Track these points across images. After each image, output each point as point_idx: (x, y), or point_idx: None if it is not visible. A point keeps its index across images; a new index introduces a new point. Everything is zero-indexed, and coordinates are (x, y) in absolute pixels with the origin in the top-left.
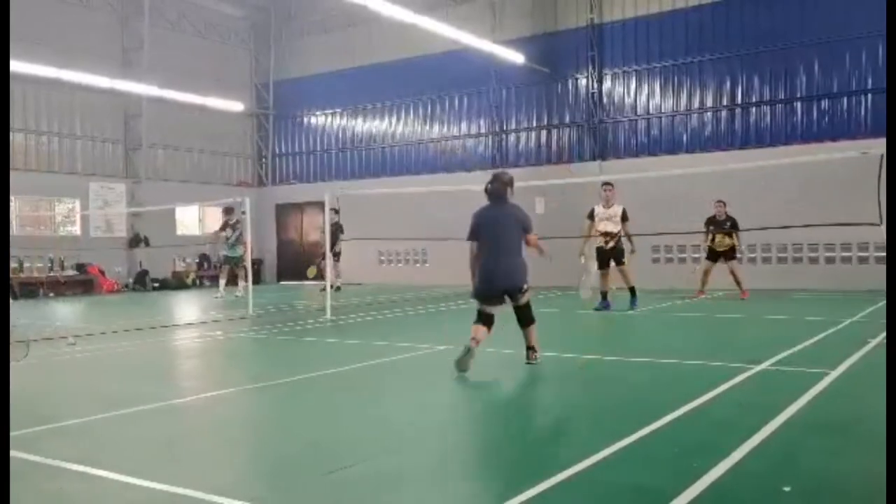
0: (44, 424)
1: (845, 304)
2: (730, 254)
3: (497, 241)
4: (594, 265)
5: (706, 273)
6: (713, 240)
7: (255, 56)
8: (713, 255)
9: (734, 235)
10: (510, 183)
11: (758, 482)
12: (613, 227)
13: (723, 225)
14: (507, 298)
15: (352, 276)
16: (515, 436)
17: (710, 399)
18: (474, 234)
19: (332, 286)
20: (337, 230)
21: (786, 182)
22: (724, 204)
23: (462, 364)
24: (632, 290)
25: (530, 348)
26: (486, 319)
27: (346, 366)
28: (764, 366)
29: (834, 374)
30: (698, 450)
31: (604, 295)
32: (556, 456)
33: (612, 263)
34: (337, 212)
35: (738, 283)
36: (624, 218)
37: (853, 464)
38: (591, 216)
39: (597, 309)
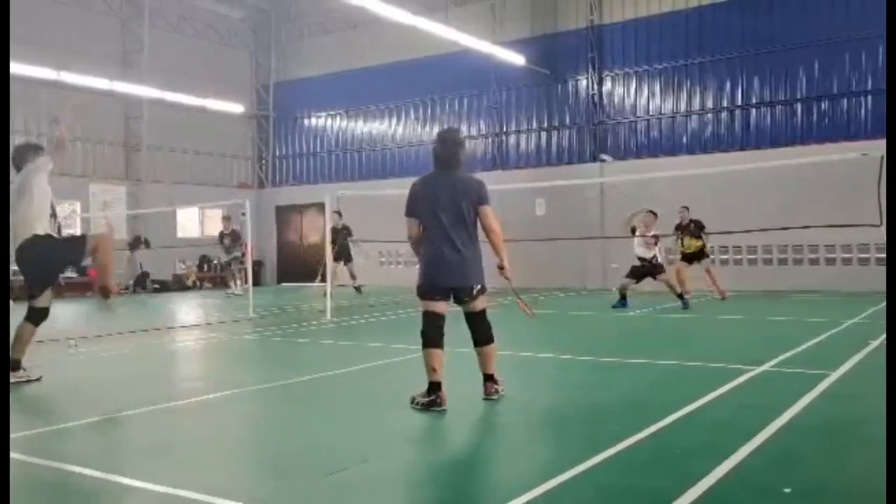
0: (45, 427)
1: (846, 305)
2: (700, 256)
3: (444, 222)
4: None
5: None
6: (682, 243)
7: (256, 58)
8: (686, 258)
9: (702, 237)
10: (462, 144)
11: (759, 483)
12: (646, 253)
13: (687, 228)
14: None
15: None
16: (516, 437)
17: (712, 400)
18: (411, 210)
19: (355, 288)
20: (344, 233)
21: (786, 183)
22: (687, 209)
23: (430, 409)
24: (679, 296)
25: (488, 378)
26: (435, 333)
27: (346, 368)
28: (765, 367)
29: (835, 375)
30: (700, 451)
31: (622, 295)
32: (557, 457)
33: (649, 278)
34: (340, 214)
35: (714, 283)
36: (656, 242)
37: (854, 465)
38: (633, 232)
39: (614, 307)
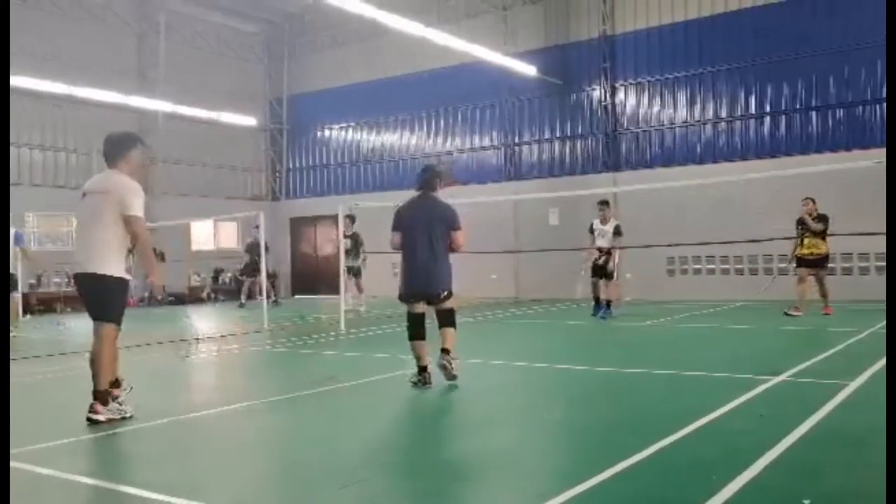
0: (62, 438)
1: (863, 314)
2: (823, 262)
3: (421, 239)
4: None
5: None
6: (802, 244)
7: (269, 71)
8: (804, 263)
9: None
10: (440, 175)
11: (777, 494)
12: (606, 243)
13: (812, 225)
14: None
15: (366, 289)
16: (530, 449)
17: (729, 411)
18: (396, 226)
19: (359, 309)
20: (356, 242)
21: (800, 192)
22: (813, 201)
23: (419, 385)
24: (607, 303)
25: (444, 350)
26: (417, 328)
27: (361, 379)
28: (783, 377)
29: (853, 384)
30: (717, 462)
31: (597, 301)
32: (573, 468)
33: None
34: (353, 220)
35: (823, 295)
36: (616, 233)
37: (873, 475)
38: (591, 230)
39: (593, 315)
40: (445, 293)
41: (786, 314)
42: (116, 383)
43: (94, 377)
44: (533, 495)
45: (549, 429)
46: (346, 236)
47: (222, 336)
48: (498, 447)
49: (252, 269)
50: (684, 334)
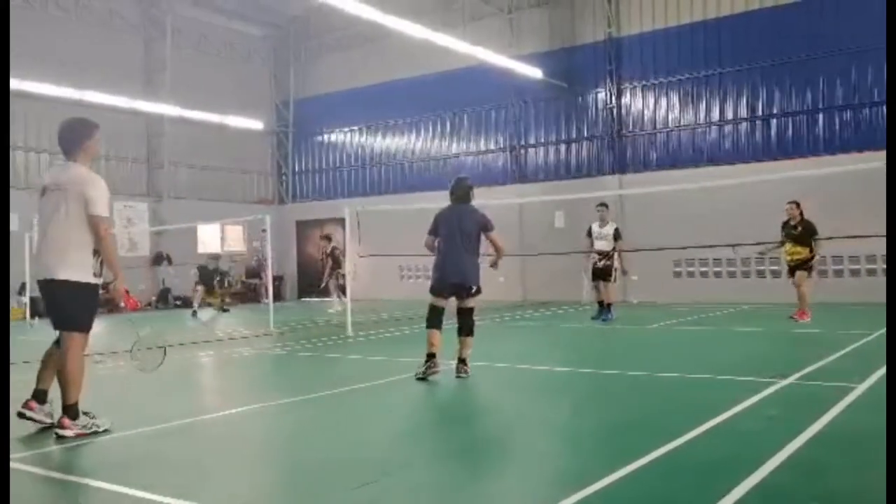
0: (69, 441)
1: (871, 316)
2: (801, 266)
3: (455, 238)
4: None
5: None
6: (784, 249)
7: (275, 75)
8: (789, 269)
9: (812, 244)
10: (472, 188)
11: (785, 495)
12: (606, 246)
13: (793, 230)
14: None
15: (372, 292)
16: (540, 450)
17: (737, 413)
18: (434, 230)
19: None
20: (335, 259)
21: (808, 194)
22: (797, 205)
23: (428, 373)
24: (608, 306)
25: (462, 361)
26: (436, 319)
27: (370, 381)
28: (791, 380)
29: (862, 386)
30: (725, 464)
31: (601, 305)
32: (581, 470)
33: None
34: (330, 239)
35: (799, 298)
36: (616, 237)
37: (880, 477)
38: (589, 233)
39: (594, 318)
40: (475, 288)
41: (791, 318)
42: (44, 395)
43: (63, 390)
44: (543, 497)
45: (556, 431)
46: (325, 254)
47: (229, 339)
48: (507, 449)
49: (201, 277)
50: (691, 337)
